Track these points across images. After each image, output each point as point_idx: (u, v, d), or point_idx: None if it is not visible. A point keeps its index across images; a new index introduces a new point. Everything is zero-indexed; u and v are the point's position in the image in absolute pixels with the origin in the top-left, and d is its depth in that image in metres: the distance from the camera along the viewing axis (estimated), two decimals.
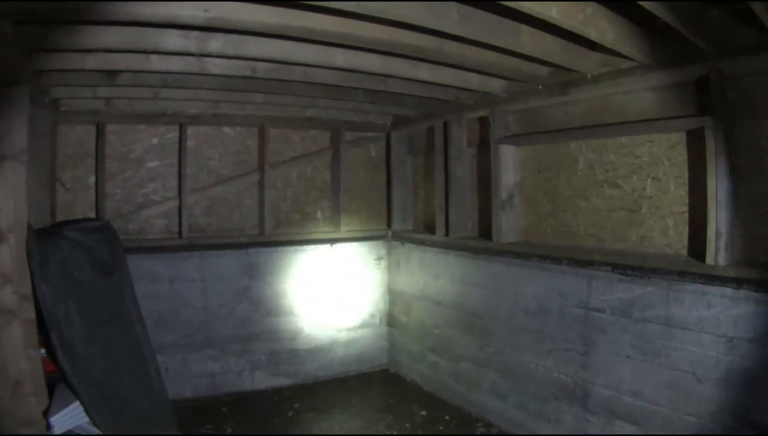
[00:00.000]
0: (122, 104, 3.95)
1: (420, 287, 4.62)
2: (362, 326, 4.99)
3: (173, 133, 4.29)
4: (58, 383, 2.65)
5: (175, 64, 2.93)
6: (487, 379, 3.83)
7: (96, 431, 2.62)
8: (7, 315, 2.35)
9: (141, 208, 4.22)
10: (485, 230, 4.06)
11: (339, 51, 2.80)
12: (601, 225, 3.20)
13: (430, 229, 4.67)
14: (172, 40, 2.54)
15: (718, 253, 2.43)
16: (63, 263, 2.75)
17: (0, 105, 2.40)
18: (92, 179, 4.04)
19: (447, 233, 4.23)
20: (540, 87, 3.35)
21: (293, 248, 4.64)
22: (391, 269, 5.06)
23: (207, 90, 3.65)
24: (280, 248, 4.58)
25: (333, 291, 4.84)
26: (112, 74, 3.13)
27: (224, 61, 2.96)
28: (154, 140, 4.27)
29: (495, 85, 3.56)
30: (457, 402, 4.12)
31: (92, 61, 2.79)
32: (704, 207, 2.51)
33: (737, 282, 2.37)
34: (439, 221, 4.32)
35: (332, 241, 4.83)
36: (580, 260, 3.13)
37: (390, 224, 5.10)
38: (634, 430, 2.81)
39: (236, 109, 4.30)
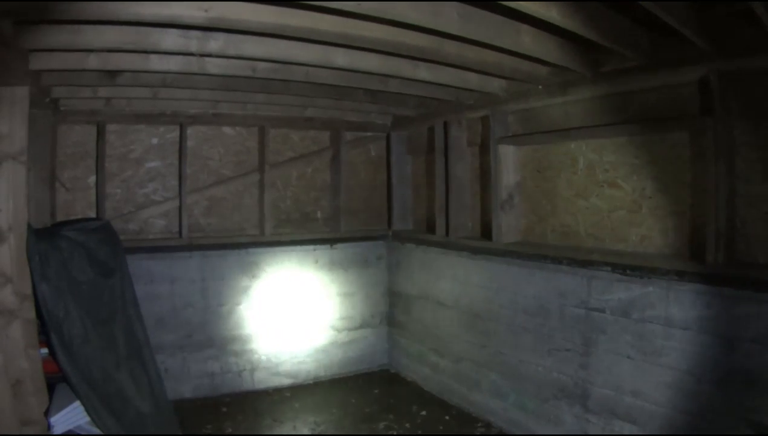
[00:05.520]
0: (122, 104, 3.95)
1: (420, 287, 4.62)
2: (362, 326, 4.99)
3: (173, 133, 4.29)
4: (58, 383, 2.65)
5: (175, 64, 2.93)
6: (488, 379, 3.83)
7: (96, 431, 2.62)
8: (7, 315, 2.35)
9: (141, 208, 4.22)
10: (485, 230, 4.06)
11: (339, 51, 2.79)
12: (601, 225, 3.19)
13: (430, 229, 4.67)
14: (172, 40, 2.54)
15: (718, 253, 2.43)
16: (63, 263, 2.75)
17: (0, 105, 2.40)
18: (92, 179, 4.04)
19: (447, 233, 4.23)
20: (540, 87, 3.35)
21: (293, 248, 4.64)
22: (392, 268, 5.06)
23: (207, 90, 3.65)
24: (280, 248, 4.58)
25: (333, 291, 4.84)
26: (112, 74, 3.13)
27: (224, 61, 2.96)
28: (154, 140, 4.27)
29: (495, 85, 3.56)
30: (458, 402, 4.13)
31: (92, 61, 2.79)
32: (704, 207, 2.51)
33: (737, 282, 2.37)
34: (440, 221, 4.32)
35: (332, 241, 4.83)
36: (580, 260, 3.13)
37: (390, 223, 5.10)
38: (634, 430, 2.81)
39: (236, 109, 4.29)
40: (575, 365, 3.15)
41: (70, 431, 2.55)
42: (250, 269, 4.48)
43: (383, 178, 5.18)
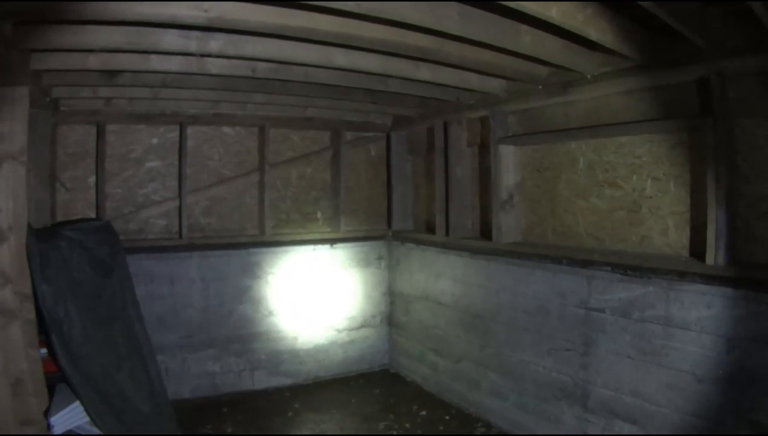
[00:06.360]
0: (122, 104, 3.95)
1: (420, 287, 4.62)
2: (363, 326, 4.99)
3: (173, 133, 4.29)
4: (58, 383, 2.65)
5: (175, 64, 2.93)
6: (487, 379, 3.83)
7: (96, 431, 2.62)
8: (7, 315, 2.35)
9: (141, 208, 4.22)
10: (485, 230, 4.06)
11: (339, 51, 2.79)
12: (601, 225, 3.19)
13: (430, 229, 4.67)
14: (172, 40, 2.54)
15: (718, 253, 2.43)
16: (63, 263, 2.75)
17: (0, 105, 2.40)
18: (92, 179, 4.04)
19: (447, 233, 4.23)
20: (540, 87, 3.35)
21: (293, 248, 4.64)
22: (392, 268, 5.06)
23: (207, 90, 3.65)
24: (280, 248, 4.58)
25: (333, 291, 4.84)
26: (112, 74, 3.13)
27: (224, 61, 2.96)
28: (154, 140, 4.27)
29: (495, 85, 3.56)
30: (457, 402, 4.13)
31: (92, 61, 2.79)
32: (704, 207, 2.51)
33: (737, 282, 2.37)
34: (440, 221, 4.32)
35: (332, 241, 4.83)
36: (580, 260, 3.13)
37: (390, 223, 5.10)
38: (634, 430, 2.81)
39: (236, 109, 4.30)
40: (575, 365, 3.15)
41: (70, 431, 2.55)
42: (250, 269, 4.47)
43: (383, 178, 5.18)
